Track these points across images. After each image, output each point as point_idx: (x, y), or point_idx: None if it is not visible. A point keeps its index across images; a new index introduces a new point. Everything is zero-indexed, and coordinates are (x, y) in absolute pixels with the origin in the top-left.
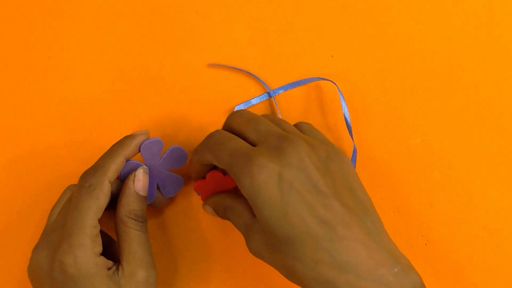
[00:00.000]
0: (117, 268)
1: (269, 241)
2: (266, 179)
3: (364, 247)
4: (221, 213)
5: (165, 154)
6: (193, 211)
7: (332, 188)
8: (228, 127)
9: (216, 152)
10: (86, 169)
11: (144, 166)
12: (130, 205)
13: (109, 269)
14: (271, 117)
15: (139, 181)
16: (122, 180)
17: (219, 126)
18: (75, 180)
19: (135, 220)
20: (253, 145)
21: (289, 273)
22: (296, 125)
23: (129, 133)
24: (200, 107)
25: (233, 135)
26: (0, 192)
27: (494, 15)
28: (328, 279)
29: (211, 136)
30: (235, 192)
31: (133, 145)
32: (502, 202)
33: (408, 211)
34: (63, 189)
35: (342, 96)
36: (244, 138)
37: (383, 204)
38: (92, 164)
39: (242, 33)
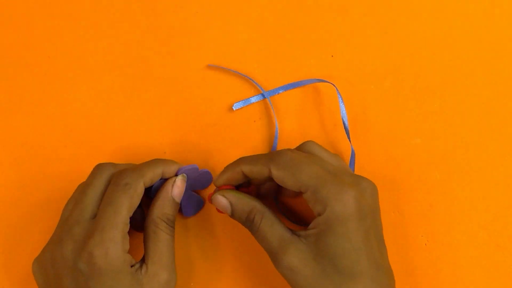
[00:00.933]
0: (140, 267)
1: (320, 266)
2: (355, 211)
3: None
4: (242, 213)
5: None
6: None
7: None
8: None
9: (297, 172)
10: (121, 170)
11: (184, 175)
12: (164, 208)
13: (132, 266)
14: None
15: (178, 187)
16: (152, 195)
17: (218, 126)
18: (74, 180)
19: (166, 223)
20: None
21: None
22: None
23: (128, 133)
24: (199, 107)
25: (312, 159)
26: (1, 192)
27: (494, 15)
28: None
29: (282, 155)
30: None
31: (173, 167)
32: (502, 202)
33: (408, 211)
34: (63, 189)
35: (341, 98)
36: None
37: (383, 204)
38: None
39: (242, 33)
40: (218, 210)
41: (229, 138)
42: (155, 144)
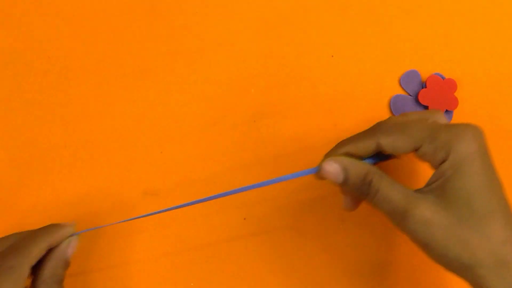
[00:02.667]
0: None
1: (454, 212)
2: (479, 148)
3: None
4: (358, 176)
5: None
6: (192, 211)
7: None
8: None
9: (407, 130)
10: (4, 250)
11: (77, 236)
12: (58, 269)
13: None
14: None
15: (72, 249)
16: None
17: (216, 122)
18: (74, 180)
19: (57, 284)
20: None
21: (464, 250)
22: None
23: (127, 131)
24: (198, 107)
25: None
26: (0, 193)
27: (495, 14)
28: (509, 261)
29: (387, 122)
30: None
31: (59, 234)
32: None
33: None
34: (64, 190)
35: None
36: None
37: None
38: (93, 163)
39: (242, 34)
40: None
41: (229, 138)
42: (152, 144)
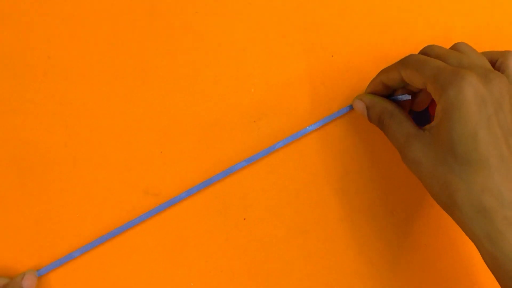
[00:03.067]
0: None
1: (439, 155)
2: (471, 97)
3: None
4: (375, 114)
5: None
6: (193, 211)
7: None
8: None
9: (420, 67)
10: None
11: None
12: None
13: None
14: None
15: (28, 280)
16: None
17: (216, 122)
18: (74, 180)
19: None
20: None
21: (443, 190)
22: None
23: (127, 130)
24: (198, 106)
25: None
26: (2, 193)
27: (494, 15)
28: (487, 208)
29: (410, 56)
30: None
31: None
32: None
33: (408, 211)
34: (64, 190)
35: None
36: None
37: (383, 204)
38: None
39: (242, 33)
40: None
41: (229, 137)
42: (152, 144)
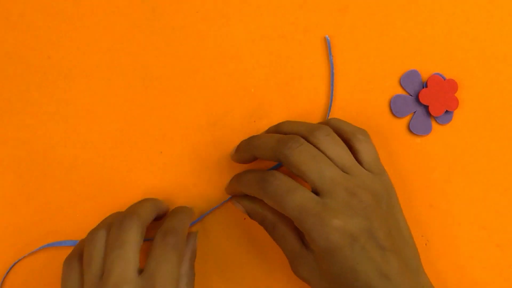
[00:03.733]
0: None
1: (324, 280)
2: (340, 241)
3: None
4: (257, 220)
5: None
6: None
7: (389, 240)
8: (282, 150)
9: (281, 203)
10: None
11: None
12: (192, 260)
13: None
14: (329, 137)
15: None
16: None
17: (216, 122)
18: (73, 180)
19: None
20: (315, 188)
21: None
22: (353, 144)
23: (127, 131)
24: (198, 106)
25: (297, 184)
26: (2, 193)
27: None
28: None
29: (269, 181)
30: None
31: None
32: (501, 202)
33: (408, 211)
34: (64, 190)
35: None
36: (303, 175)
37: None
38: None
39: (242, 33)
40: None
41: (229, 138)
42: (152, 144)
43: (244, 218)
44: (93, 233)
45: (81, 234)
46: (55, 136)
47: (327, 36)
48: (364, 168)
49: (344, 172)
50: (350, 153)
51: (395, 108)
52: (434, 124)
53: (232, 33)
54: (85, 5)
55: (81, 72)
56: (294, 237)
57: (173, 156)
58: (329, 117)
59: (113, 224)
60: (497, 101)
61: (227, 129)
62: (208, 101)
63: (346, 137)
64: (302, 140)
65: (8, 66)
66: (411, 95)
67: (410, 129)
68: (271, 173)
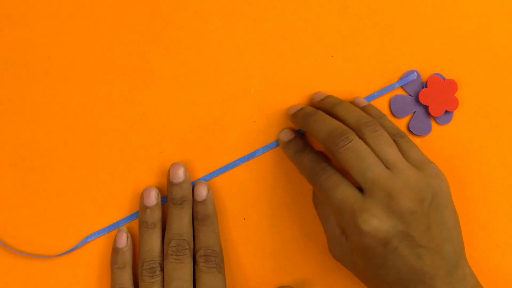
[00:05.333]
0: None
1: (358, 268)
2: (373, 242)
3: None
4: (304, 174)
5: None
6: None
7: (426, 237)
8: (330, 142)
9: (325, 196)
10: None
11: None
12: None
13: None
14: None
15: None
16: None
17: (216, 122)
18: (74, 180)
19: None
20: (359, 186)
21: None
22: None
23: (127, 130)
24: (198, 106)
25: (341, 180)
26: (2, 193)
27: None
28: None
29: (318, 175)
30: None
31: None
32: (501, 202)
33: None
34: (64, 190)
35: None
36: (348, 172)
37: None
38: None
39: (242, 33)
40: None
41: (227, 138)
42: (152, 144)
43: (244, 218)
44: None
45: (80, 234)
46: (55, 136)
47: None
48: (410, 164)
49: (389, 168)
50: (397, 149)
51: (394, 108)
52: (434, 124)
53: (232, 33)
54: (85, 5)
55: (81, 72)
56: (336, 223)
57: (173, 156)
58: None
59: None
60: (497, 101)
61: (227, 129)
62: (208, 101)
63: (391, 133)
64: (351, 136)
65: (8, 66)
66: (411, 95)
67: (409, 129)
68: (321, 166)
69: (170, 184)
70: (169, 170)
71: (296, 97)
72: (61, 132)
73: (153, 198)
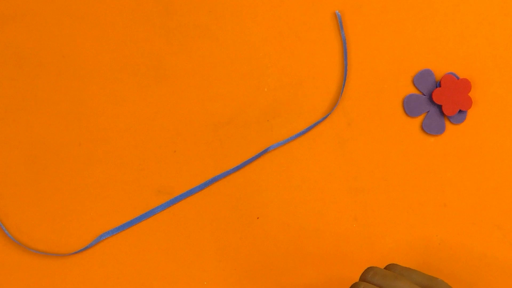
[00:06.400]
0: None
1: None
2: None
3: None
4: None
5: None
6: (207, 210)
7: None
8: None
9: None
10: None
11: None
12: None
13: None
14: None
15: None
16: None
17: (229, 121)
18: (88, 179)
19: None
20: None
21: None
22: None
23: (140, 130)
24: (212, 106)
25: None
26: (15, 192)
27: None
28: None
29: None
30: None
31: None
32: None
33: (421, 210)
34: (78, 189)
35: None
36: None
37: (397, 204)
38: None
39: (255, 32)
40: None
41: (241, 137)
42: (165, 142)
43: (258, 217)
44: None
45: (94, 234)
46: (69, 134)
47: (337, 11)
48: None
49: None
50: None
51: (408, 107)
52: (448, 124)
53: (245, 32)
54: (99, 5)
55: (95, 71)
56: None
57: (187, 156)
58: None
59: None
60: (510, 101)
61: (240, 128)
62: (221, 100)
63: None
64: None
65: (22, 66)
66: (425, 95)
67: (423, 129)
68: None
69: None
70: None
71: (309, 96)
72: (75, 131)
73: None
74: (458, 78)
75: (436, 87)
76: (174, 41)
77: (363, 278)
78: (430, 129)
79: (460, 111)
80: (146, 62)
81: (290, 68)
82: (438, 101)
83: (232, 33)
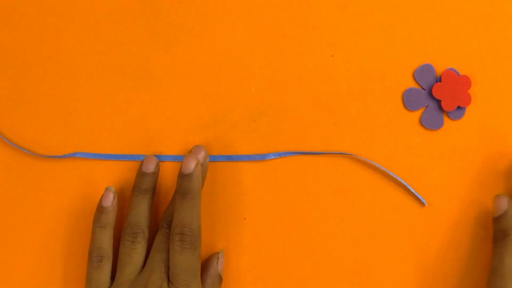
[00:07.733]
0: None
1: None
2: None
3: None
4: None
5: None
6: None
7: None
8: None
9: None
10: None
11: (222, 250)
12: (214, 285)
13: None
14: None
15: (222, 263)
16: None
17: (216, 122)
18: (74, 181)
19: None
20: None
21: None
22: None
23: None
24: (198, 106)
25: None
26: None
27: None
28: None
29: None
30: None
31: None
32: None
33: (407, 211)
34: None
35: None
36: None
37: (383, 204)
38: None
39: (242, 33)
40: None
41: (229, 137)
42: (152, 144)
43: (244, 218)
44: None
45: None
46: (55, 136)
47: None
48: None
49: None
50: None
51: (407, 101)
52: (446, 119)
53: (232, 32)
54: (85, 5)
55: (81, 71)
56: None
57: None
58: None
59: None
60: (510, 100)
61: (227, 129)
62: (208, 100)
63: None
64: None
65: (8, 66)
66: (424, 89)
67: (421, 123)
68: None
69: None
70: (143, 160)
71: (296, 97)
72: (60, 132)
73: (152, 165)
74: (458, 74)
75: (436, 82)
76: (160, 42)
77: None
78: (428, 123)
79: (458, 107)
80: (132, 62)
81: (277, 69)
82: (437, 96)
83: (219, 33)
